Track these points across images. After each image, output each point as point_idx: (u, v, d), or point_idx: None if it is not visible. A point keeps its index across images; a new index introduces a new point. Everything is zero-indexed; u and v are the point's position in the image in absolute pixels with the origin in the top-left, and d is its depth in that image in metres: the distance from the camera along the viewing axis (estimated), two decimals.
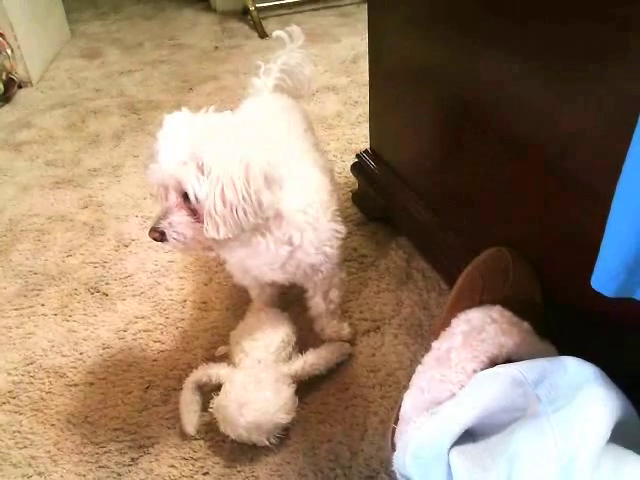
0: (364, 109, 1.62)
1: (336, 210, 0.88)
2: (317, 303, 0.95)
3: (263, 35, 2.29)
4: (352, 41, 2.17)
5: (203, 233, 0.72)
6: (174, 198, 0.73)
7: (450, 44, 0.85)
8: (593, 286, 0.48)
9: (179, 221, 0.73)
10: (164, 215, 0.73)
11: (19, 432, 0.90)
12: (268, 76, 1.09)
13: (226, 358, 0.94)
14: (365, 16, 1.07)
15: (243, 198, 0.70)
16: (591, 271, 0.48)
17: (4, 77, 1.92)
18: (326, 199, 0.86)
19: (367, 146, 1.22)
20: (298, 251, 0.82)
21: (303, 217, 0.81)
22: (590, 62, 0.60)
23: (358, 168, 1.25)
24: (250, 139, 0.74)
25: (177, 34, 2.44)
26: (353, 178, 1.29)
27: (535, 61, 0.68)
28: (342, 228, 0.88)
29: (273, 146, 0.78)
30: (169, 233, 0.73)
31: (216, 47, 2.26)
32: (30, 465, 0.86)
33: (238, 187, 0.69)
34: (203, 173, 0.70)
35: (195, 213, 0.72)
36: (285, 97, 1.07)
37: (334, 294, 0.95)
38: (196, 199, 0.70)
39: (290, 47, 1.10)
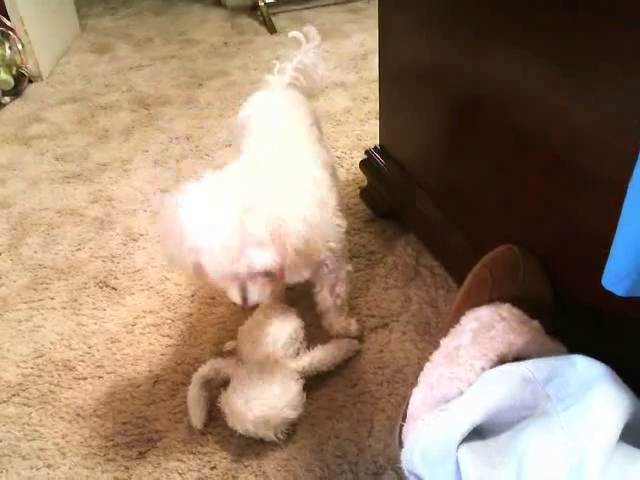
0: (374, 106, 1.62)
1: (337, 205, 0.88)
2: (324, 298, 0.95)
3: (272, 31, 2.29)
4: (362, 37, 2.17)
5: (278, 282, 0.77)
6: (245, 276, 0.74)
7: (460, 41, 0.85)
8: (604, 285, 0.48)
9: (257, 288, 0.76)
10: (242, 289, 0.76)
11: (28, 424, 0.91)
12: (283, 74, 1.10)
13: (234, 353, 0.94)
14: (375, 12, 1.07)
15: (309, 245, 0.74)
16: (602, 270, 0.47)
17: (15, 72, 1.93)
18: (325, 195, 0.85)
19: (376, 143, 1.22)
20: None
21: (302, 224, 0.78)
22: (601, 60, 0.59)
23: (367, 165, 1.24)
24: (276, 191, 0.75)
25: (187, 29, 2.44)
26: (362, 175, 1.29)
27: (544, 58, 0.68)
28: (344, 222, 0.88)
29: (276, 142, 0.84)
30: (251, 299, 0.76)
31: (225, 43, 2.25)
32: (39, 457, 0.86)
33: (301, 238, 0.73)
34: (263, 244, 0.71)
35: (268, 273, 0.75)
36: (292, 92, 1.07)
37: (341, 288, 0.95)
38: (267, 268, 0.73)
39: (306, 47, 1.11)
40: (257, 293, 0.76)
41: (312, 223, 0.74)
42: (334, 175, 0.98)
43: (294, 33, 1.12)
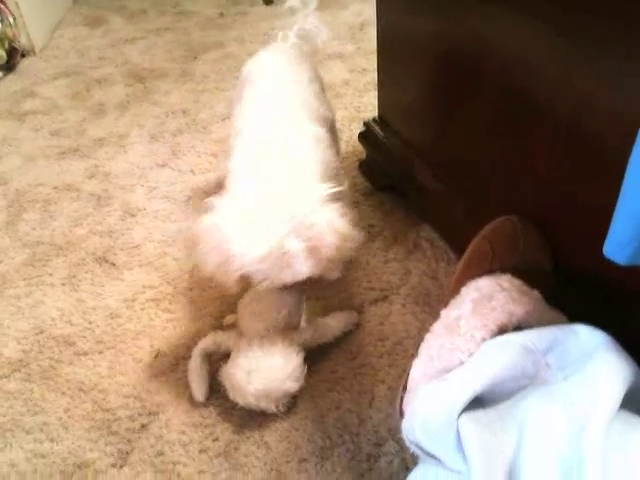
0: (372, 77, 1.60)
1: (334, 167, 0.92)
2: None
3: (268, 2, 2.24)
4: (359, 7, 2.13)
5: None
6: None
7: (460, 8, 0.83)
8: (605, 254, 0.47)
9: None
10: None
11: (30, 399, 0.91)
12: (286, 42, 1.10)
13: (234, 326, 0.94)
14: None
15: (342, 250, 0.80)
16: (603, 239, 0.47)
17: (7, 46, 1.90)
18: (321, 155, 0.89)
19: (375, 114, 1.20)
20: None
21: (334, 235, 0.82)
22: (607, 26, 0.58)
23: (366, 136, 1.23)
24: (297, 199, 0.79)
25: (181, 1, 2.39)
26: (360, 147, 1.28)
27: (548, 24, 0.66)
28: (345, 183, 0.92)
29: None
30: None
31: (221, 14, 2.21)
32: (42, 431, 0.87)
33: (336, 248, 0.79)
34: (303, 257, 0.77)
35: None
36: (294, 50, 1.09)
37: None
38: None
39: (305, 12, 1.11)
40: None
41: (341, 231, 0.80)
42: (333, 131, 1.02)
43: (290, 2, 1.11)
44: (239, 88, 1.06)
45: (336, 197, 0.82)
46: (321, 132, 0.92)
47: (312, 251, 0.77)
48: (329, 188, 0.82)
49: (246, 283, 0.81)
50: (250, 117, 0.94)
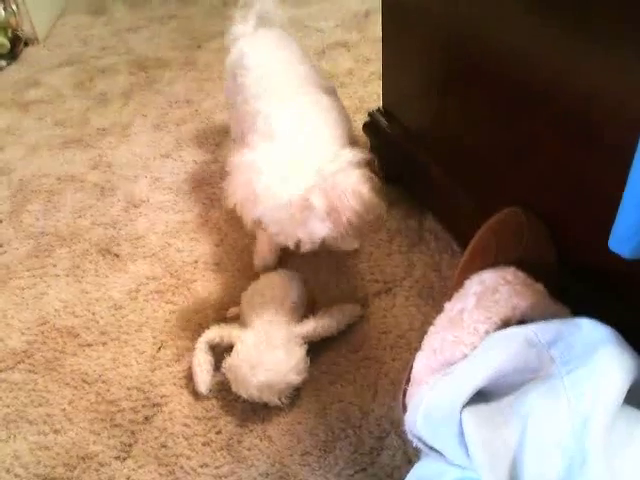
0: (376, 66, 1.58)
1: (351, 134, 0.96)
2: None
3: None
4: None
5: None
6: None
7: None
8: (610, 247, 0.47)
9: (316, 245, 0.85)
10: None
11: (34, 390, 0.92)
12: (246, 23, 1.14)
13: (237, 319, 0.94)
14: None
15: (363, 217, 0.80)
16: (608, 232, 0.47)
17: (10, 34, 1.89)
18: (340, 122, 0.92)
19: (380, 104, 1.19)
20: None
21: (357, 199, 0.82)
22: (614, 13, 0.57)
23: (370, 127, 1.22)
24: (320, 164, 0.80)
25: None
26: (365, 138, 1.27)
27: (555, 12, 0.65)
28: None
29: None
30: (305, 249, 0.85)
31: (225, 2, 2.20)
32: (46, 422, 0.87)
33: (358, 213, 0.79)
34: (323, 217, 0.78)
35: None
36: (273, 28, 1.14)
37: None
38: None
39: None
40: (312, 247, 0.84)
41: (365, 197, 0.79)
42: (337, 98, 1.05)
43: None
44: (236, 77, 1.07)
45: (362, 164, 0.83)
46: (332, 101, 0.95)
47: (332, 211, 0.77)
48: (356, 153, 0.82)
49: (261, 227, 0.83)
50: (265, 97, 0.96)
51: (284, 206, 0.77)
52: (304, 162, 0.79)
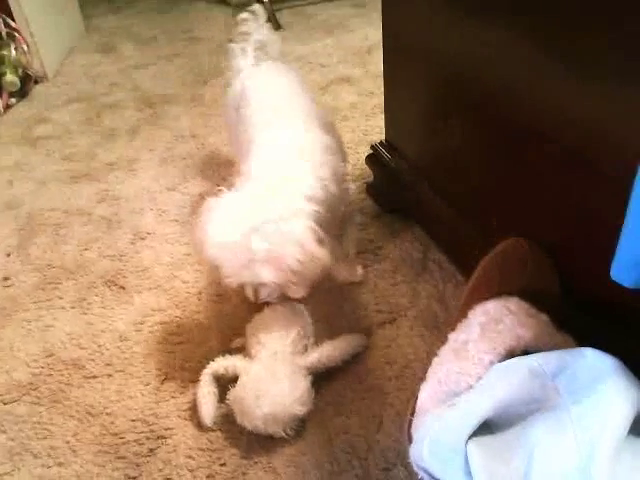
0: (379, 100, 1.60)
1: (342, 173, 0.98)
2: (333, 247, 0.97)
3: (277, 27, 2.28)
4: (366, 31, 2.16)
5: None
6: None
7: (468, 33, 0.84)
8: (612, 277, 0.47)
9: (268, 289, 0.87)
10: (254, 289, 0.88)
11: (39, 423, 0.91)
12: (246, 55, 1.18)
13: (242, 350, 0.94)
14: (379, 6, 1.06)
15: (306, 267, 0.82)
16: (610, 261, 0.47)
17: (20, 73, 1.94)
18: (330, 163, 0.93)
19: (382, 137, 1.21)
20: None
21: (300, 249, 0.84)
22: (615, 51, 0.59)
23: (373, 160, 1.24)
24: (274, 212, 0.82)
25: (191, 27, 2.44)
26: (368, 170, 1.28)
27: (558, 51, 0.67)
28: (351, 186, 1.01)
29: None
30: (262, 297, 0.90)
31: (230, 40, 2.25)
32: (50, 455, 0.87)
33: (299, 262, 0.81)
34: (267, 262, 0.80)
35: None
36: (275, 62, 1.17)
37: (348, 237, 1.04)
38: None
39: (256, 25, 1.18)
40: (267, 293, 0.88)
41: (307, 247, 0.82)
42: (336, 133, 1.08)
43: (243, 14, 1.18)
44: (237, 108, 1.10)
45: (318, 218, 0.85)
46: (329, 139, 0.97)
47: (273, 258, 0.80)
48: (309, 205, 0.85)
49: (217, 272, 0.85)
50: (263, 128, 0.98)
51: (225, 246, 0.80)
52: (261, 208, 0.82)
